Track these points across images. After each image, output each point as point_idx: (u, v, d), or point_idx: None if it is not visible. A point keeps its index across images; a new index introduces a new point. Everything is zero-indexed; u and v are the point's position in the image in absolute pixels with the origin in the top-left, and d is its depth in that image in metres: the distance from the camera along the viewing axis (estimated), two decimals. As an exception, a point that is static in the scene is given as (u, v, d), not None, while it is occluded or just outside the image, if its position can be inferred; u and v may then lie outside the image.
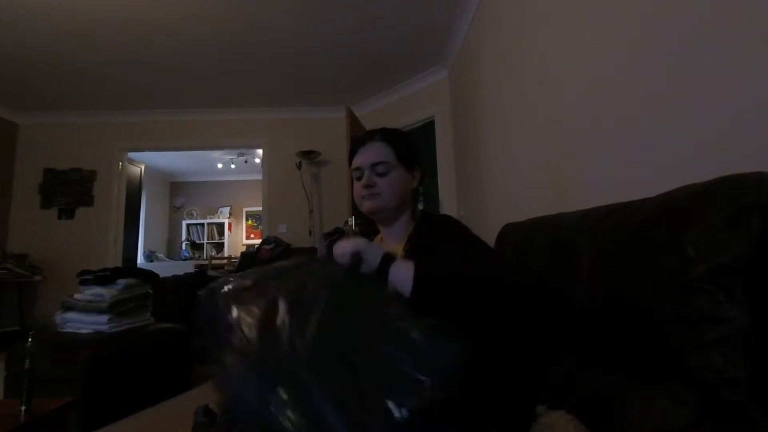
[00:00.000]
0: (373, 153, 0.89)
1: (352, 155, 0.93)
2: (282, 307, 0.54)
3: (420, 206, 0.98)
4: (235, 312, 0.56)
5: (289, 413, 0.42)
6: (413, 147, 0.94)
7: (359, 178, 0.90)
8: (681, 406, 0.49)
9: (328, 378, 0.46)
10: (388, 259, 0.68)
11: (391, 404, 0.45)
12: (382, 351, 0.50)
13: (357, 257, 0.67)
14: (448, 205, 3.46)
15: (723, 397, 0.47)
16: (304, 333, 0.51)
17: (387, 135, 0.91)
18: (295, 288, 0.58)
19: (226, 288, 0.62)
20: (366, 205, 0.91)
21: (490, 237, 1.32)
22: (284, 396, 0.44)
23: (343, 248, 0.69)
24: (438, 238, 0.82)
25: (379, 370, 0.49)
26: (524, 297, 0.78)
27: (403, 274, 0.65)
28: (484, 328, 0.64)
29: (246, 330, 0.53)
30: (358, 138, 0.94)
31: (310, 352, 0.49)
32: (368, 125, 3.72)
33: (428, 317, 0.56)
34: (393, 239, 0.94)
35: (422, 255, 0.78)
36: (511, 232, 1.23)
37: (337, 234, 3.53)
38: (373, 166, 0.88)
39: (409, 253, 0.85)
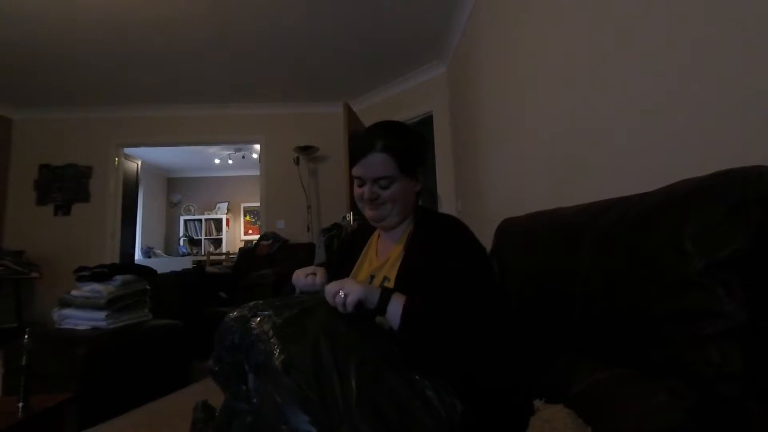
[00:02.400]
0: (375, 167, 0.85)
1: (353, 159, 0.90)
2: (326, 349, 0.62)
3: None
4: (289, 349, 0.62)
5: None
6: (417, 151, 0.89)
7: (361, 185, 0.89)
8: (678, 400, 0.49)
9: (375, 423, 0.56)
10: (385, 298, 0.73)
11: None
12: (405, 398, 0.62)
13: (361, 306, 0.72)
14: (447, 201, 3.46)
15: (720, 392, 0.47)
16: (349, 376, 0.60)
17: (389, 145, 0.85)
18: (331, 332, 0.66)
19: (259, 320, 0.66)
20: (369, 215, 0.91)
21: (488, 232, 1.32)
22: None
23: (342, 299, 0.71)
24: (436, 254, 0.82)
25: (403, 416, 0.59)
26: (509, 329, 0.79)
27: (394, 313, 0.72)
28: (463, 365, 0.72)
29: (302, 369, 0.60)
30: (360, 143, 0.89)
31: (356, 395, 0.58)
32: (366, 120, 3.71)
33: (415, 350, 0.69)
34: (392, 240, 0.93)
35: (419, 270, 0.82)
36: (509, 227, 1.23)
37: (336, 229, 3.53)
38: (376, 179, 0.86)
39: (406, 258, 0.85)
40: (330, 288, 0.74)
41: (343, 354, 0.62)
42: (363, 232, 1.04)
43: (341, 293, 0.71)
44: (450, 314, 0.73)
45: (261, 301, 0.71)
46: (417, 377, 0.66)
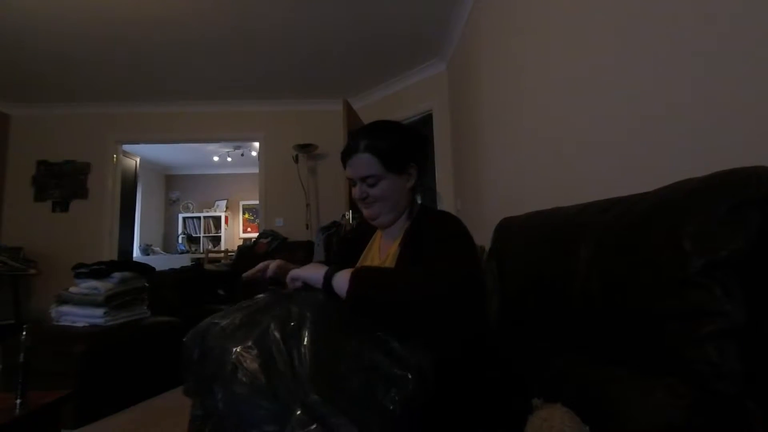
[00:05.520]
0: (360, 167, 0.88)
1: (342, 161, 0.93)
2: (275, 334, 0.61)
3: (419, 199, 0.98)
4: (233, 350, 0.61)
5: (310, 428, 0.51)
6: (403, 147, 0.90)
7: (354, 186, 0.92)
8: (677, 399, 0.49)
9: (329, 392, 0.55)
10: (328, 276, 0.74)
11: (385, 401, 0.56)
12: (367, 358, 0.60)
13: (306, 284, 0.78)
14: (446, 199, 3.46)
15: (718, 391, 0.47)
16: (300, 352, 0.59)
17: (371, 145, 0.87)
18: (281, 315, 0.65)
19: (216, 329, 0.66)
20: (365, 214, 0.94)
21: (487, 231, 1.33)
22: (302, 416, 0.52)
23: (292, 280, 0.80)
24: (425, 244, 0.82)
25: (367, 376, 0.58)
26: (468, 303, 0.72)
27: (341, 287, 0.71)
28: (418, 331, 0.68)
29: (248, 364, 0.59)
30: (346, 145, 0.92)
31: (309, 370, 0.57)
32: (365, 118, 3.70)
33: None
34: (390, 238, 0.95)
35: (409, 260, 0.82)
36: (508, 226, 1.23)
37: (334, 228, 3.53)
38: (363, 179, 0.89)
39: (401, 255, 0.86)
40: (290, 274, 0.80)
41: (296, 333, 0.62)
42: (365, 230, 1.06)
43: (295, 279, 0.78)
44: (402, 280, 0.71)
45: (219, 313, 0.71)
46: (380, 334, 0.64)
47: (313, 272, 0.77)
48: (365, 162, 0.88)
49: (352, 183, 0.93)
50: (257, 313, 0.68)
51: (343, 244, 1.16)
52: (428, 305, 0.67)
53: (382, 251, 0.97)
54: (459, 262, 0.74)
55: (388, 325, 0.67)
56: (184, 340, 0.69)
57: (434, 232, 0.84)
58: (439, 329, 0.69)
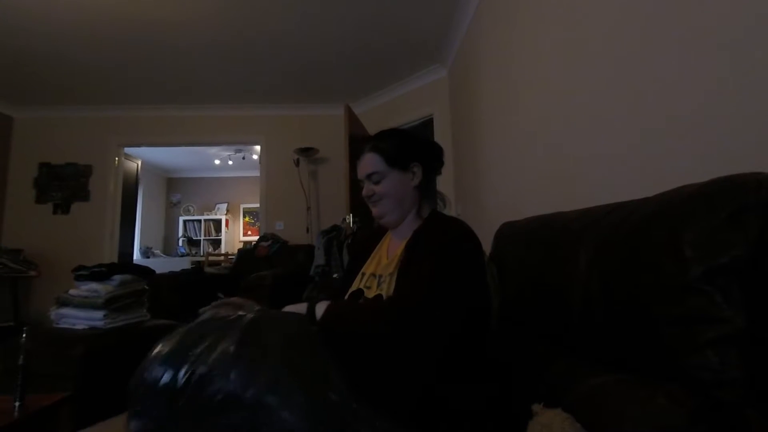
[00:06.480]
0: (365, 165, 0.95)
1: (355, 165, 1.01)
2: (295, 358, 0.60)
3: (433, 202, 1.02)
4: (250, 375, 0.55)
5: None
6: (406, 146, 0.96)
7: (363, 187, 0.98)
8: (677, 406, 0.49)
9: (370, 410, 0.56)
10: (311, 307, 0.81)
11: None
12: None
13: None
14: (446, 204, 3.46)
15: (719, 398, 0.47)
16: (338, 383, 0.58)
17: (376, 144, 0.95)
18: (290, 337, 0.64)
19: (200, 351, 0.59)
20: (372, 212, 0.99)
21: (487, 235, 1.33)
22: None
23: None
24: (420, 255, 0.83)
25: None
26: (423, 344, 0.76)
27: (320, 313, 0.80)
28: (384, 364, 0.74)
29: (288, 386, 0.55)
30: (357, 150, 1.00)
31: (348, 392, 0.57)
32: (366, 123, 3.72)
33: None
34: (399, 239, 0.97)
35: (404, 267, 0.85)
36: (508, 231, 1.23)
37: (335, 231, 3.53)
38: (368, 177, 0.95)
39: (404, 258, 0.87)
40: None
41: (317, 357, 0.61)
42: (377, 233, 1.08)
43: None
44: (360, 316, 0.78)
45: (184, 329, 0.65)
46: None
47: (297, 307, 0.83)
48: (369, 160, 0.94)
49: (361, 184, 0.99)
50: (252, 330, 0.61)
51: (357, 245, 1.21)
52: (382, 339, 0.74)
53: (390, 252, 0.98)
54: (433, 279, 0.77)
55: (356, 356, 0.69)
56: (150, 360, 0.60)
57: (432, 240, 0.84)
58: (409, 350, 0.74)
